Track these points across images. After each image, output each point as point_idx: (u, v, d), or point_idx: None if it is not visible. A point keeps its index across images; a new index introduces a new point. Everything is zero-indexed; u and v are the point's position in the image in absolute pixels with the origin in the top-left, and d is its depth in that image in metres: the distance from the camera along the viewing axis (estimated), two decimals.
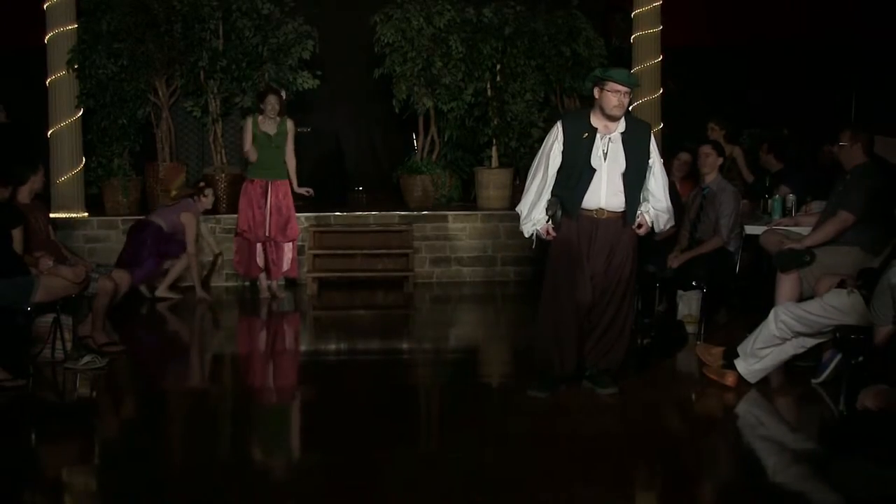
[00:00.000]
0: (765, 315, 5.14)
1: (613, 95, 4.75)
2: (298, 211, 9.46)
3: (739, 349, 5.22)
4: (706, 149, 6.50)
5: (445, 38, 9.34)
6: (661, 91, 9.78)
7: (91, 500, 4.02)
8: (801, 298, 5.43)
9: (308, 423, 4.80)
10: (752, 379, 5.20)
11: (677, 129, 9.59)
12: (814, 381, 5.24)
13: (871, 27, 10.71)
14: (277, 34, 9.24)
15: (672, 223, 5.12)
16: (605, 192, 4.83)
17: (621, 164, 4.82)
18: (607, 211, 4.85)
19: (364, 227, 9.14)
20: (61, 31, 8.84)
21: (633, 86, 4.85)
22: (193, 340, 7.17)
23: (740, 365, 5.20)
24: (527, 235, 5.00)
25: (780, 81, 11.31)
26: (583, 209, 4.85)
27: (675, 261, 6.40)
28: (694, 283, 6.45)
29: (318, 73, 9.29)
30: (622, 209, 4.87)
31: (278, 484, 3.90)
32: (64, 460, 4.38)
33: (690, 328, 6.56)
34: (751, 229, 6.66)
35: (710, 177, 6.46)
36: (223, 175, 9.32)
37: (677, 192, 7.18)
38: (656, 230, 5.04)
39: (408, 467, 4.14)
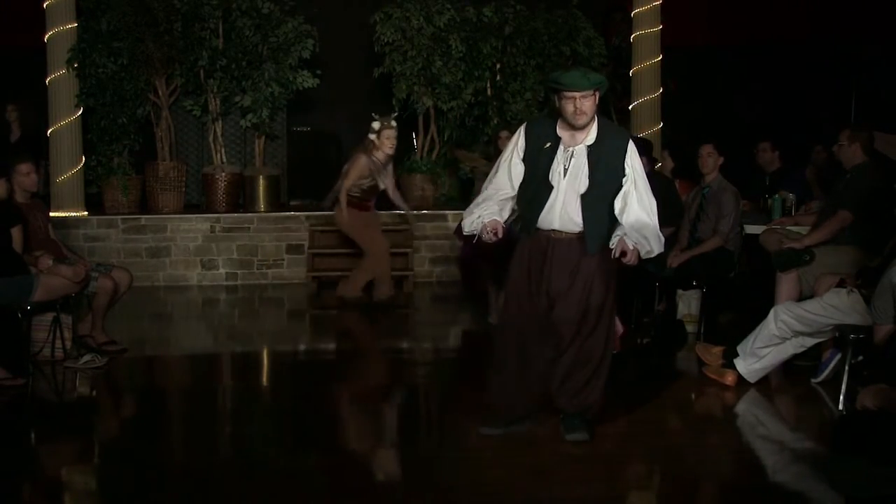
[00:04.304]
0: (765, 315, 5.14)
1: (568, 102, 4.12)
2: (297, 210, 9.51)
3: (739, 348, 5.22)
4: (707, 149, 6.50)
5: (445, 38, 9.35)
6: (660, 91, 9.78)
7: (91, 500, 4.02)
8: (801, 298, 5.44)
9: (307, 423, 4.80)
10: (751, 378, 5.20)
11: (677, 129, 9.60)
12: (813, 380, 5.25)
13: (872, 27, 10.71)
14: (277, 33, 9.24)
15: (660, 249, 4.27)
16: (559, 214, 4.21)
17: (583, 184, 4.18)
18: (564, 232, 4.24)
19: None
20: (61, 31, 8.85)
21: (590, 88, 4.11)
22: (193, 340, 7.17)
23: (740, 364, 5.20)
24: (467, 230, 4.31)
25: (779, 81, 11.31)
26: (538, 228, 4.28)
27: (674, 260, 6.41)
28: (694, 283, 6.46)
29: (318, 72, 9.29)
30: (579, 230, 4.23)
31: (278, 484, 3.90)
32: (64, 460, 4.38)
33: (690, 327, 6.57)
34: (751, 229, 6.68)
35: (711, 177, 6.47)
36: (223, 174, 9.33)
37: (677, 191, 7.20)
38: (643, 255, 4.17)
39: (408, 467, 4.14)
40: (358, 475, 4.00)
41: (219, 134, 9.50)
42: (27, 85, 9.58)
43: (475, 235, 4.30)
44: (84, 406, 5.32)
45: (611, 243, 4.17)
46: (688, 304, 6.66)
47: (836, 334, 4.98)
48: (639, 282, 6.75)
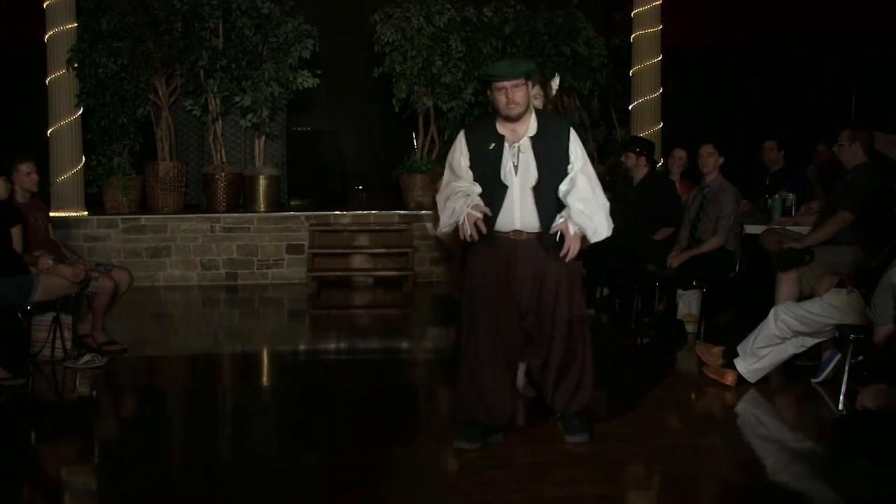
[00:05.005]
0: (765, 314, 5.14)
1: (500, 94, 4.04)
2: (298, 210, 9.51)
3: (739, 348, 5.22)
4: (707, 148, 6.50)
5: (445, 38, 9.35)
6: (660, 91, 9.78)
7: (91, 500, 4.02)
8: (801, 298, 5.44)
9: (308, 423, 4.80)
10: (751, 378, 5.20)
11: (677, 129, 9.61)
12: (813, 380, 5.25)
13: (871, 27, 10.71)
14: (277, 33, 9.25)
15: (607, 231, 4.13)
16: (518, 211, 4.11)
17: (533, 177, 4.10)
18: (525, 232, 4.14)
19: (364, 227, 9.15)
20: (61, 31, 8.86)
21: (520, 76, 4.04)
22: (193, 340, 7.17)
23: (740, 364, 5.20)
24: (444, 228, 4.19)
25: (779, 81, 11.32)
26: (497, 232, 4.15)
27: (674, 260, 6.41)
28: (694, 283, 6.46)
29: (318, 72, 9.30)
30: (540, 229, 4.14)
31: (278, 484, 3.90)
32: (63, 459, 4.38)
33: (690, 327, 6.57)
34: (751, 229, 6.68)
35: (711, 177, 6.47)
36: (223, 174, 9.33)
37: (677, 191, 7.20)
38: (590, 237, 4.10)
39: (407, 467, 4.13)
40: (358, 475, 4.00)
41: (219, 134, 9.50)
42: (27, 85, 9.59)
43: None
44: (84, 406, 5.32)
45: (552, 227, 4.09)
46: (688, 304, 6.65)
47: (836, 334, 4.98)
48: (639, 282, 6.77)
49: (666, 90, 9.86)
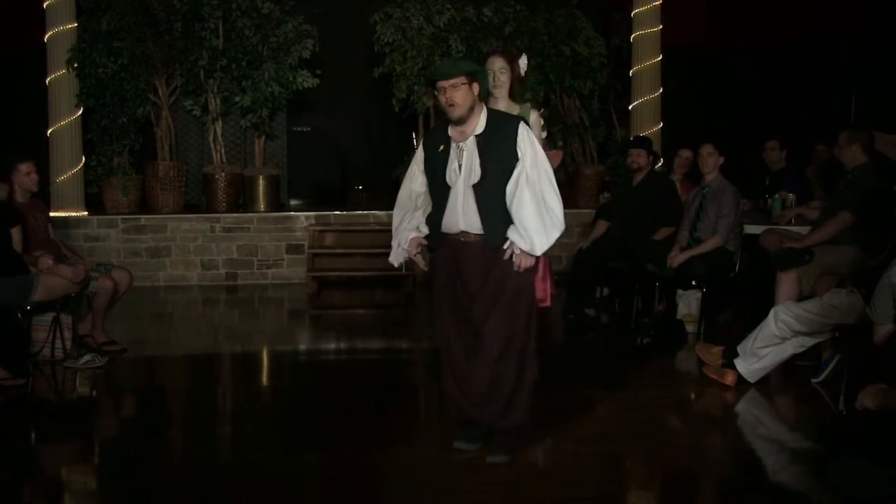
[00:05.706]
0: (765, 314, 5.14)
1: (440, 94, 3.96)
2: (298, 210, 9.51)
3: (739, 348, 5.22)
4: (707, 148, 6.50)
5: (445, 38, 9.36)
6: (660, 91, 9.78)
7: (91, 500, 4.02)
8: (801, 298, 5.44)
9: (307, 423, 4.80)
10: (751, 378, 5.20)
11: (677, 129, 9.61)
12: (813, 380, 5.25)
13: (872, 27, 10.71)
14: (277, 33, 9.25)
15: (548, 242, 3.96)
16: (461, 212, 4.01)
17: (476, 174, 3.98)
18: (473, 234, 4.03)
19: (364, 226, 9.16)
20: (61, 30, 8.86)
21: (458, 75, 3.93)
22: (193, 340, 7.17)
23: (740, 364, 5.20)
24: (395, 264, 4.24)
25: (779, 81, 11.31)
26: (445, 234, 4.10)
27: (674, 260, 6.41)
28: (693, 283, 6.46)
29: (318, 72, 9.30)
30: (483, 230, 4.01)
31: (277, 484, 3.90)
32: (63, 460, 4.38)
33: (690, 327, 6.57)
34: (750, 229, 6.68)
35: (711, 176, 6.47)
36: (223, 174, 9.33)
37: (677, 191, 7.20)
38: (534, 250, 3.95)
39: (407, 467, 4.13)
40: (357, 475, 4.00)
41: (219, 134, 9.50)
42: (27, 85, 9.58)
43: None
44: (84, 406, 5.32)
45: (505, 245, 4.00)
46: (688, 304, 6.66)
47: (836, 334, 4.98)
48: (639, 282, 6.77)
49: (666, 90, 9.85)
